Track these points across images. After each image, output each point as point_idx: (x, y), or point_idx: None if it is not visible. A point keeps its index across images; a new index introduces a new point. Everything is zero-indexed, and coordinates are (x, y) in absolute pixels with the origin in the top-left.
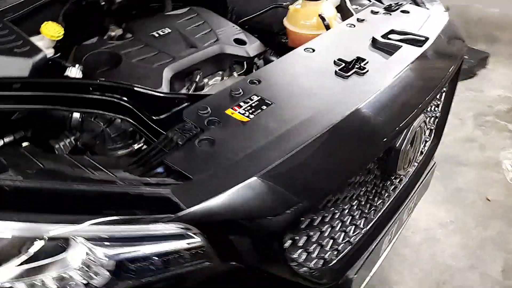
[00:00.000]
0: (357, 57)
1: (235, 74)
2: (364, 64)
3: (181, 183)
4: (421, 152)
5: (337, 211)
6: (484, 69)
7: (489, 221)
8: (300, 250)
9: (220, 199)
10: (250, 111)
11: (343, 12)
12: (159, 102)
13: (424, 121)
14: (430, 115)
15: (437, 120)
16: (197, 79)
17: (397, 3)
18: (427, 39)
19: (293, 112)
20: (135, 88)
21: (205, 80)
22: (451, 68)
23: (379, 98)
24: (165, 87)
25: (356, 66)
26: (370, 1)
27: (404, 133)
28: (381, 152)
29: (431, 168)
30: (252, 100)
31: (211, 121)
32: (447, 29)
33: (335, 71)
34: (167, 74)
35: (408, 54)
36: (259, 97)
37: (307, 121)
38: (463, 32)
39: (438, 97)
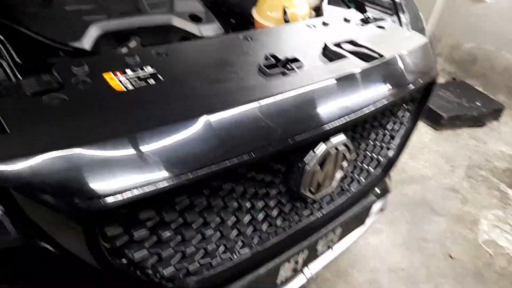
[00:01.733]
0: (291, 56)
1: None
2: (296, 66)
3: None
4: (350, 180)
5: (207, 216)
6: (495, 121)
7: (443, 279)
8: (143, 250)
9: (28, 162)
10: (133, 82)
11: (318, 14)
12: (40, 47)
13: (346, 145)
14: (373, 143)
15: (384, 151)
16: (131, 46)
17: (378, 18)
18: (380, 56)
19: (179, 95)
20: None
21: None
22: (393, 94)
23: (287, 103)
24: (85, 44)
25: (286, 66)
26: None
27: (311, 151)
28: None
29: (372, 202)
30: (143, 70)
31: (80, 81)
32: (415, 54)
33: (259, 66)
34: (94, 31)
35: (348, 66)
36: (154, 71)
37: (182, 107)
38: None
39: (387, 126)
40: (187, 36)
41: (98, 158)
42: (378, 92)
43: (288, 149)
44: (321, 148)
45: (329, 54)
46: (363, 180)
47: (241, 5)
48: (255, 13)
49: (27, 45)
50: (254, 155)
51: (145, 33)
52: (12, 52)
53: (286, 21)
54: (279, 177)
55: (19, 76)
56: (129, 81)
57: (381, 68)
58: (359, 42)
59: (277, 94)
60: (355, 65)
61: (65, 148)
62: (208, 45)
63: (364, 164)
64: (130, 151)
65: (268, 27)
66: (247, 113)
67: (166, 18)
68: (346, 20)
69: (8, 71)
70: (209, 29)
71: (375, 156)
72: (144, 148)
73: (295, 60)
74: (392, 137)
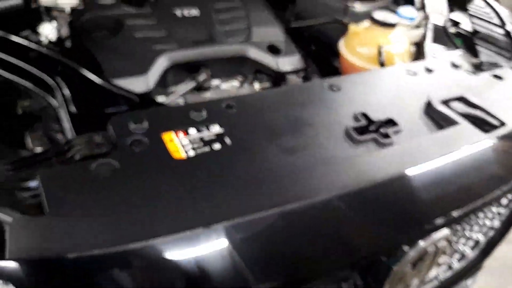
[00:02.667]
0: (387, 118)
1: (256, 85)
2: (393, 132)
3: (26, 216)
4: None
5: None
6: None
7: None
8: None
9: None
10: (195, 146)
11: (419, 51)
12: (100, 94)
13: (449, 240)
14: (473, 224)
15: (484, 229)
16: (200, 78)
17: (494, 63)
18: (502, 125)
19: (245, 170)
20: (79, 69)
21: (216, 82)
22: None
23: (381, 190)
24: (152, 77)
25: (379, 130)
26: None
27: (403, 250)
28: (344, 264)
29: None
30: (209, 130)
31: (137, 141)
32: None
33: (346, 129)
34: (162, 62)
35: (461, 137)
36: (221, 131)
37: (254, 193)
38: None
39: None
40: (262, 69)
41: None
42: (500, 175)
43: (374, 252)
44: (418, 247)
45: (435, 116)
46: (456, 264)
47: (328, 34)
48: (342, 46)
49: (86, 89)
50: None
51: (217, 63)
52: (70, 100)
53: (381, 63)
54: (355, 273)
55: (73, 130)
56: (192, 144)
57: (505, 143)
58: (473, 100)
59: (369, 176)
60: (470, 137)
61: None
62: (285, 96)
63: (459, 246)
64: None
65: (356, 65)
66: (327, 204)
67: (241, 49)
68: (454, 65)
69: (65, 123)
70: (288, 62)
71: (474, 237)
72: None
73: (391, 122)
74: (498, 214)
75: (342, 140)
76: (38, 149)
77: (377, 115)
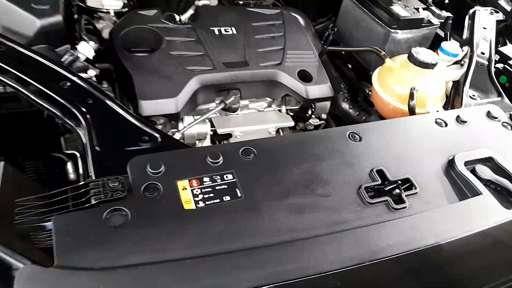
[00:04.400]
0: (405, 177)
1: (283, 108)
2: (409, 193)
3: (35, 266)
4: None
5: None
6: None
7: None
8: None
9: None
10: (207, 196)
11: (456, 91)
12: (126, 129)
13: None
14: None
15: None
16: (228, 101)
17: None
18: None
19: (249, 229)
20: (107, 102)
21: (245, 102)
22: None
23: (389, 265)
24: (182, 98)
25: (393, 192)
26: None
27: None
28: None
29: None
30: (223, 179)
31: (152, 187)
32: None
33: (359, 188)
34: (194, 84)
35: (482, 212)
36: (233, 180)
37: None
38: None
39: None
40: (292, 94)
41: None
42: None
43: None
44: None
45: (458, 179)
46: None
47: (367, 60)
48: (375, 79)
49: (113, 123)
50: None
51: (247, 85)
52: (94, 136)
53: (411, 108)
54: None
55: (92, 167)
56: (203, 194)
57: None
58: (502, 163)
59: (370, 252)
60: (492, 214)
61: None
62: (304, 145)
63: None
64: None
65: (385, 102)
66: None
67: (272, 74)
68: (490, 116)
69: (88, 157)
70: (318, 91)
71: None
72: None
73: (408, 183)
74: None
75: (354, 200)
76: (70, 151)
77: (396, 172)
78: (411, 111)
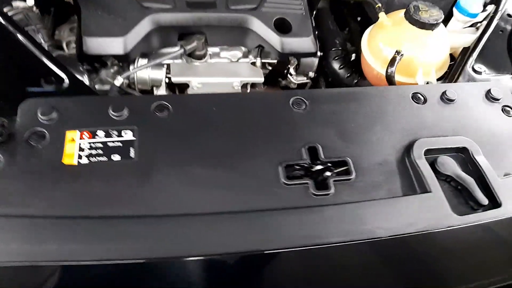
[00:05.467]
0: (341, 160)
1: (258, 61)
2: (339, 179)
3: None
4: None
5: None
6: None
7: None
8: None
9: None
10: (94, 152)
11: (460, 63)
12: (30, 65)
13: None
14: None
15: None
16: (189, 46)
17: None
18: (495, 206)
19: (140, 191)
20: (10, 29)
21: (215, 50)
22: None
23: (269, 260)
24: (132, 38)
25: (323, 175)
26: None
27: None
28: None
29: None
30: (120, 136)
31: (38, 134)
32: None
33: (282, 165)
34: (147, 23)
35: (420, 214)
36: (132, 138)
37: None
38: None
39: None
40: (264, 47)
41: None
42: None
43: None
44: None
45: (411, 171)
46: None
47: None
48: (365, 38)
49: (17, 57)
50: None
51: (215, 32)
52: None
53: (388, 76)
54: None
55: None
56: (91, 149)
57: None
58: (478, 157)
59: (254, 241)
60: (430, 219)
61: None
62: (234, 107)
63: None
64: None
65: (372, 69)
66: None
67: (242, 19)
68: (489, 96)
69: None
70: (295, 44)
71: None
72: None
73: (345, 166)
74: None
75: (270, 179)
76: None
77: (335, 152)
78: (389, 80)
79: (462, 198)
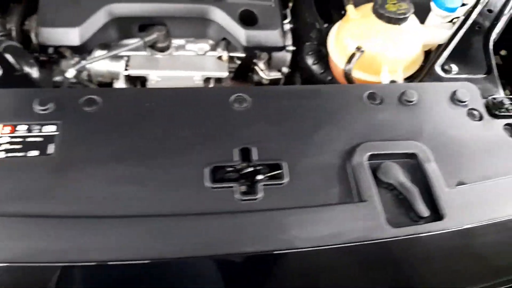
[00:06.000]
0: (274, 163)
1: (224, 55)
2: (269, 183)
3: None
4: None
5: None
6: None
7: None
8: None
9: None
10: (12, 147)
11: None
12: None
13: None
14: None
15: None
16: (148, 38)
17: None
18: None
19: (52, 188)
20: None
21: (181, 42)
22: None
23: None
24: (88, 28)
25: (254, 178)
26: None
27: None
28: None
29: None
30: (41, 131)
31: None
32: None
33: (209, 168)
34: (103, 14)
35: (350, 224)
36: (54, 134)
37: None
38: None
39: None
40: (228, 39)
41: None
42: None
43: None
44: None
45: (351, 177)
46: None
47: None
48: (333, 32)
49: None
50: None
51: (176, 23)
52: None
53: (345, 73)
54: None
55: None
56: (10, 144)
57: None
58: (428, 164)
59: (162, 247)
60: (360, 231)
61: None
62: (170, 102)
63: None
64: None
65: (338, 67)
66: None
67: (203, 10)
68: (454, 99)
69: None
70: (260, 38)
71: None
72: None
73: (276, 169)
74: None
75: (196, 180)
76: None
77: (270, 154)
78: (346, 78)
79: (404, 208)
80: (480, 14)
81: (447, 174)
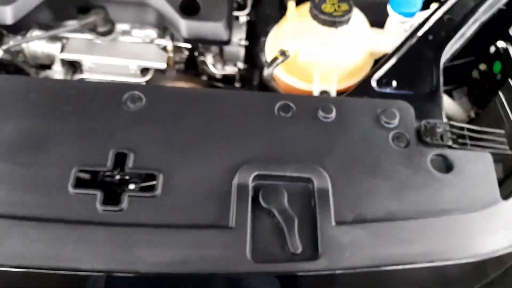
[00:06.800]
0: (149, 173)
1: (169, 45)
2: (138, 195)
3: None
4: None
5: None
6: None
7: None
8: None
9: None
10: None
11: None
12: None
13: None
14: None
15: None
16: (85, 21)
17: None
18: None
19: None
20: None
21: (125, 27)
22: None
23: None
24: (19, 8)
25: (127, 187)
26: None
27: None
28: None
29: None
30: None
31: None
32: None
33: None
34: None
35: (203, 252)
36: None
37: None
38: None
39: None
40: (169, 28)
41: None
42: None
43: None
44: None
45: (229, 199)
46: None
47: None
48: (271, 33)
49: None
50: None
51: (114, 7)
52: None
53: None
54: None
55: None
56: None
57: None
58: (325, 191)
59: None
60: (216, 261)
61: None
62: (55, 96)
63: None
64: None
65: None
66: None
67: None
68: (380, 119)
69: None
70: (200, 30)
71: None
72: None
73: (152, 180)
74: None
75: (60, 183)
76: None
77: (151, 163)
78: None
79: (282, 239)
80: (438, 22)
81: (346, 206)
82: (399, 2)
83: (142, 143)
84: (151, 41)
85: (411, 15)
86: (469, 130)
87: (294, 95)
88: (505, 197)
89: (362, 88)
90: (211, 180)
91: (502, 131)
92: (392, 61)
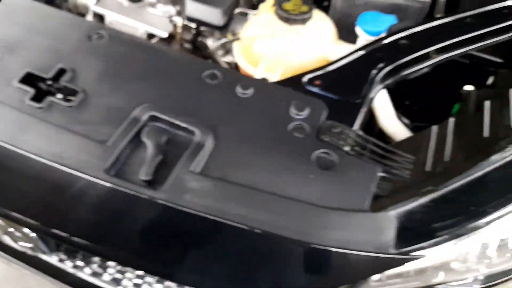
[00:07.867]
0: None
1: (180, 21)
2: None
3: None
4: None
5: None
6: None
7: None
8: None
9: None
10: None
11: None
12: None
13: None
14: None
15: None
16: None
17: None
18: None
19: None
20: None
21: (152, 0)
22: None
23: None
24: None
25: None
26: None
27: None
28: None
29: None
30: None
31: None
32: None
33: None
34: None
35: None
36: None
37: None
38: None
39: None
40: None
41: None
42: None
43: None
44: None
45: None
46: None
47: None
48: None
49: None
50: None
51: None
52: None
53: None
54: None
55: None
56: None
57: None
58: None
59: None
60: None
61: None
62: None
63: None
64: None
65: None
66: None
67: None
68: (292, 110)
69: None
70: (202, 12)
71: None
72: None
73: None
74: None
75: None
76: None
77: (77, 82)
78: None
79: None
80: (391, 43)
81: (216, 165)
82: (366, 21)
83: (84, 68)
84: (169, 17)
85: (376, 34)
86: (375, 145)
87: (224, 68)
88: (374, 210)
89: (291, 82)
90: (117, 109)
91: (412, 158)
92: (331, 67)
